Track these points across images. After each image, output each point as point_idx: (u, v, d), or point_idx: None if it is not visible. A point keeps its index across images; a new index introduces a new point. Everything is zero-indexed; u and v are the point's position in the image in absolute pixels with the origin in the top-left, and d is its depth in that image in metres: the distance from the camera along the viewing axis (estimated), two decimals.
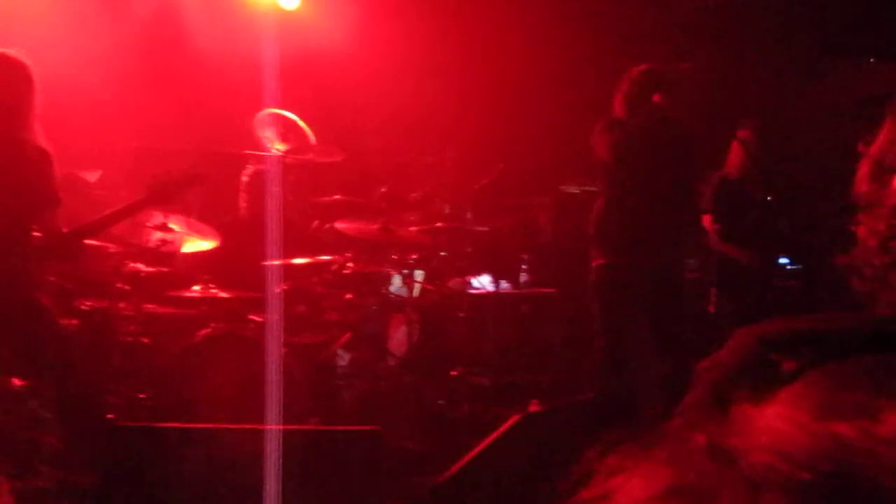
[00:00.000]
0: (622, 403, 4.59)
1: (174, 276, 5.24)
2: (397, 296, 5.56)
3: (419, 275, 5.74)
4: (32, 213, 4.01)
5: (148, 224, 4.80)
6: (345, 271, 5.17)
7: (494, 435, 3.79)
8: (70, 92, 5.11)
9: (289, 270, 4.99)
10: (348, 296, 5.24)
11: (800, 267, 5.63)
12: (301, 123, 5.52)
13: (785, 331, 0.55)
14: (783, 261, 5.78)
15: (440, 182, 6.49)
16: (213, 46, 6.47)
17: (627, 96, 4.76)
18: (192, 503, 3.47)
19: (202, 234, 5.13)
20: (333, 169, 6.03)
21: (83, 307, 4.85)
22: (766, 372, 0.55)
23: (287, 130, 5.50)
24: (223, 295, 4.91)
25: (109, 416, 4.35)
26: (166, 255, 5.12)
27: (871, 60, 7.30)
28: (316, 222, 5.89)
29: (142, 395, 4.76)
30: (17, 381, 4.10)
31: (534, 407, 4.83)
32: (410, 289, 5.44)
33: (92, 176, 6.08)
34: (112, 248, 4.86)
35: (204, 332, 4.80)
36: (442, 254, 6.00)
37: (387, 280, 5.54)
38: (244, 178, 5.48)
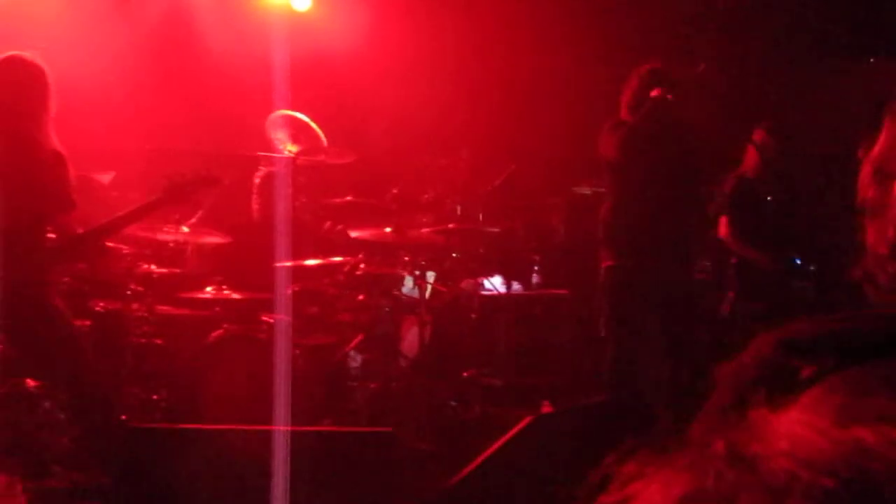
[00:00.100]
0: (634, 406, 4.57)
1: (187, 278, 5.25)
2: (409, 297, 5.56)
3: (431, 276, 5.74)
4: (47, 216, 4.03)
5: (161, 225, 4.82)
6: (357, 273, 5.17)
7: (506, 437, 3.79)
8: (83, 94, 5.13)
9: (301, 272, 5.00)
10: (360, 297, 5.24)
11: (812, 267, 5.60)
12: (313, 125, 5.53)
13: (809, 334, 0.55)
14: (796, 261, 5.76)
15: (452, 183, 6.49)
16: (224, 48, 6.49)
17: (632, 96, 4.75)
18: None
19: (212, 235, 5.15)
20: (345, 170, 6.04)
21: (97, 308, 4.87)
22: (785, 376, 0.55)
23: (299, 132, 5.51)
24: (236, 296, 4.92)
25: (122, 417, 4.37)
26: (180, 256, 5.14)
27: (871, 60, 7.27)
28: (328, 223, 5.90)
29: (155, 397, 4.78)
30: (30, 383, 4.12)
31: (546, 409, 4.83)
32: (422, 290, 5.44)
33: (105, 178, 6.11)
34: (125, 249, 4.88)
35: (217, 333, 4.81)
36: (454, 255, 5.99)
37: (399, 281, 5.54)
38: (256, 180, 5.49)
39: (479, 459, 3.72)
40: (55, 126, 4.08)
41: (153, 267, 4.93)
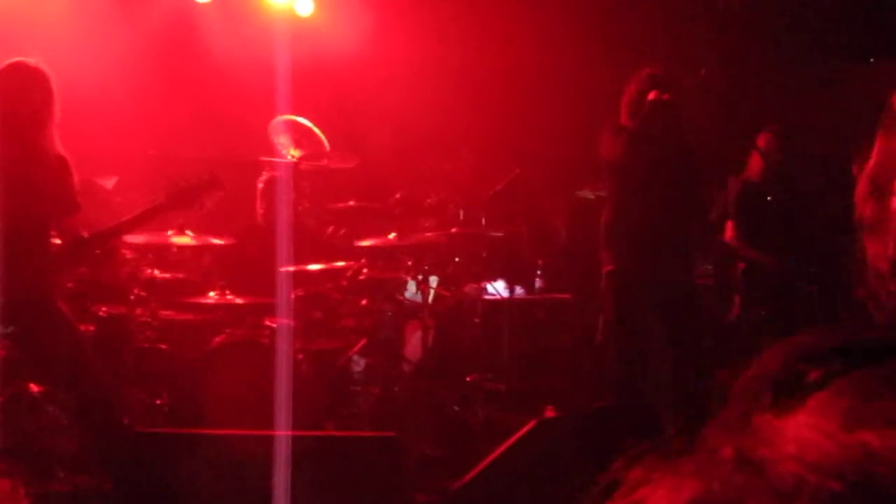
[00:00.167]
0: (638, 410, 4.57)
1: (191, 282, 5.26)
2: (412, 302, 5.56)
3: (434, 280, 5.74)
4: (51, 220, 4.04)
5: (165, 229, 4.82)
6: (360, 277, 5.17)
7: (510, 441, 3.78)
8: (86, 99, 5.14)
9: (304, 276, 5.00)
10: (363, 302, 5.24)
11: (815, 270, 5.60)
12: (315, 130, 5.53)
13: (817, 342, 0.55)
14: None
15: (455, 187, 6.48)
16: (228, 53, 6.51)
17: (631, 101, 4.75)
18: None
19: (215, 239, 5.15)
20: (348, 175, 6.04)
21: (100, 313, 4.87)
22: (791, 381, 0.55)
23: (301, 136, 5.52)
24: (239, 301, 4.92)
25: (125, 421, 4.37)
26: (183, 260, 5.14)
27: (871, 60, 7.27)
28: (331, 228, 5.90)
29: (158, 401, 4.78)
30: (34, 387, 4.12)
31: (549, 413, 4.82)
32: (425, 295, 5.44)
33: (108, 182, 6.12)
34: (129, 253, 4.88)
35: (220, 338, 4.81)
36: (457, 259, 5.99)
37: (402, 286, 5.54)
38: (260, 185, 5.49)
39: (483, 464, 3.72)
40: (59, 131, 4.08)
41: (156, 271, 4.94)
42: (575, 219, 6.91)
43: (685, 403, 4.66)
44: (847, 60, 7.29)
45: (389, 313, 5.39)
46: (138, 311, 4.82)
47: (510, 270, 6.24)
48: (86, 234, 4.09)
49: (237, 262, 5.26)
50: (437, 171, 6.75)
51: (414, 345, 5.61)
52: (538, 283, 6.62)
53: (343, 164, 5.74)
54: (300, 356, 4.85)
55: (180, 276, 5.13)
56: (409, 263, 5.42)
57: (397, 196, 5.67)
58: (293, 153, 5.45)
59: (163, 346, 4.90)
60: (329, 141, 5.53)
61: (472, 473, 3.69)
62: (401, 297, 5.54)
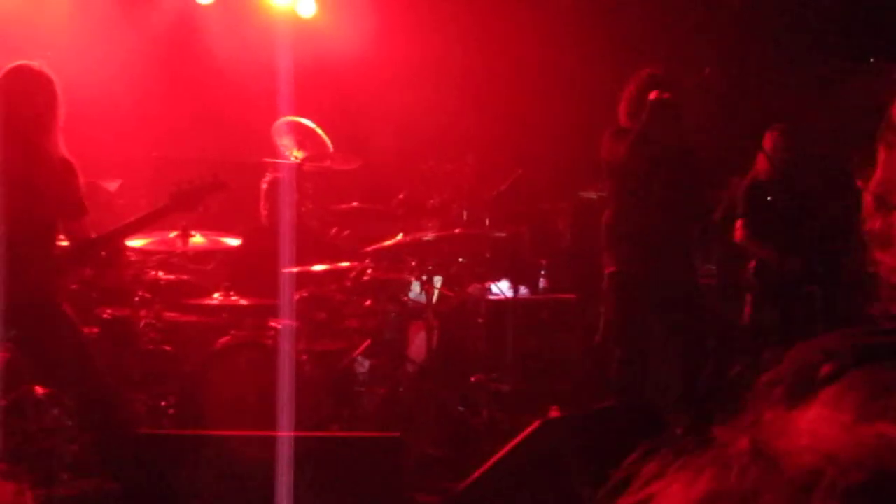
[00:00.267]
0: (642, 410, 4.56)
1: (195, 284, 5.26)
2: (416, 302, 5.55)
3: (438, 281, 5.74)
4: (57, 223, 4.05)
5: (169, 231, 4.82)
6: (364, 278, 5.17)
7: (514, 441, 3.78)
8: (90, 102, 5.15)
9: (308, 278, 5.00)
10: (367, 303, 5.24)
11: (817, 271, 5.60)
12: (319, 131, 5.53)
13: (844, 343, 0.55)
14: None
15: (458, 188, 6.48)
16: (230, 55, 6.51)
17: (632, 102, 4.74)
18: None
19: (219, 241, 5.16)
20: (351, 176, 6.04)
21: (104, 315, 4.88)
22: (803, 375, 0.54)
23: (305, 138, 5.52)
24: (243, 302, 4.93)
25: (130, 423, 4.37)
26: (187, 262, 5.15)
27: (871, 60, 7.27)
28: (334, 229, 5.90)
29: (162, 403, 4.78)
30: (39, 389, 4.12)
31: (554, 413, 4.81)
32: (429, 295, 5.43)
33: (112, 185, 6.13)
34: (133, 256, 4.88)
35: (224, 339, 4.82)
36: (460, 260, 5.99)
37: (406, 287, 5.54)
38: (263, 186, 5.50)
39: (488, 464, 3.72)
40: (63, 134, 4.09)
41: (161, 273, 4.94)
42: (578, 219, 6.91)
43: (690, 403, 4.66)
44: (847, 60, 7.29)
45: (393, 314, 5.39)
46: (142, 312, 4.83)
47: (514, 271, 6.24)
48: (94, 237, 4.10)
49: (241, 263, 5.26)
50: (440, 172, 6.74)
51: (418, 345, 5.61)
52: (542, 283, 6.61)
53: (346, 165, 5.74)
54: (304, 357, 4.85)
55: (184, 277, 5.13)
56: (413, 264, 5.42)
57: (400, 197, 5.68)
58: (296, 154, 5.45)
59: (167, 348, 4.90)
60: (332, 142, 5.53)
61: (477, 473, 3.69)
62: (405, 298, 5.54)
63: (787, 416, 0.48)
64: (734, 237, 5.58)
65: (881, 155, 1.17)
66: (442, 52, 6.98)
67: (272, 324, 4.86)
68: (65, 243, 4.12)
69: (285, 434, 3.48)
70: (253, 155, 5.78)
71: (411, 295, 5.63)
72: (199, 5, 6.68)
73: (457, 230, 5.78)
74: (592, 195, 6.80)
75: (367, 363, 5.34)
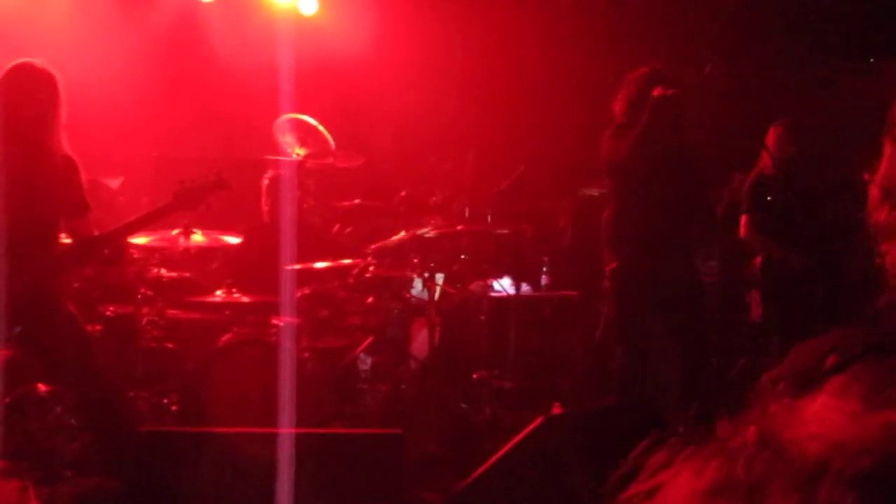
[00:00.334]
0: (643, 407, 4.56)
1: (197, 281, 5.27)
2: (419, 299, 5.56)
3: (440, 278, 5.74)
4: (59, 221, 4.05)
5: (171, 229, 4.83)
6: (366, 275, 5.18)
7: (517, 438, 3.78)
8: (92, 99, 5.15)
9: (310, 275, 5.00)
10: (370, 300, 5.24)
11: (818, 270, 5.59)
12: (320, 128, 5.53)
13: (853, 338, 0.55)
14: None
15: (460, 185, 6.49)
16: (232, 53, 6.52)
17: (631, 99, 4.72)
18: None
19: (221, 238, 5.16)
20: (353, 173, 6.05)
21: (107, 313, 4.88)
22: (809, 366, 0.54)
23: (307, 135, 5.52)
24: (245, 300, 4.93)
25: (133, 420, 4.37)
26: (189, 260, 5.15)
27: (871, 60, 7.26)
28: (336, 226, 5.90)
29: (165, 400, 4.79)
30: (42, 387, 4.13)
31: (556, 410, 4.82)
32: (432, 292, 5.44)
33: (114, 183, 6.13)
34: (135, 253, 4.89)
35: (227, 336, 4.82)
36: (463, 257, 5.99)
37: (408, 284, 5.54)
38: (265, 183, 5.50)
39: (490, 461, 3.72)
40: (65, 132, 4.09)
41: (163, 271, 4.94)
42: (579, 216, 6.91)
43: (693, 399, 4.66)
44: (847, 60, 7.28)
45: (396, 311, 5.40)
46: (145, 310, 4.83)
47: (516, 268, 6.24)
48: (97, 235, 4.11)
49: (243, 260, 5.26)
50: (441, 169, 6.75)
51: (420, 342, 5.61)
52: (544, 280, 6.62)
53: (348, 162, 5.74)
54: (307, 354, 4.85)
55: (187, 275, 5.13)
56: (416, 261, 5.43)
57: (402, 194, 5.68)
58: (298, 152, 5.45)
59: (170, 345, 4.91)
60: (334, 139, 5.53)
61: (479, 471, 3.69)
62: (407, 295, 5.54)
63: (793, 407, 0.48)
64: (739, 233, 5.58)
65: (887, 149, 1.18)
66: (443, 49, 6.98)
67: (274, 321, 4.86)
68: (67, 241, 4.12)
69: (287, 431, 3.48)
70: (254, 152, 5.78)
71: (414, 292, 5.63)
72: (200, 3, 6.68)
73: (459, 227, 5.78)
74: (594, 192, 6.80)
75: (369, 360, 5.35)
